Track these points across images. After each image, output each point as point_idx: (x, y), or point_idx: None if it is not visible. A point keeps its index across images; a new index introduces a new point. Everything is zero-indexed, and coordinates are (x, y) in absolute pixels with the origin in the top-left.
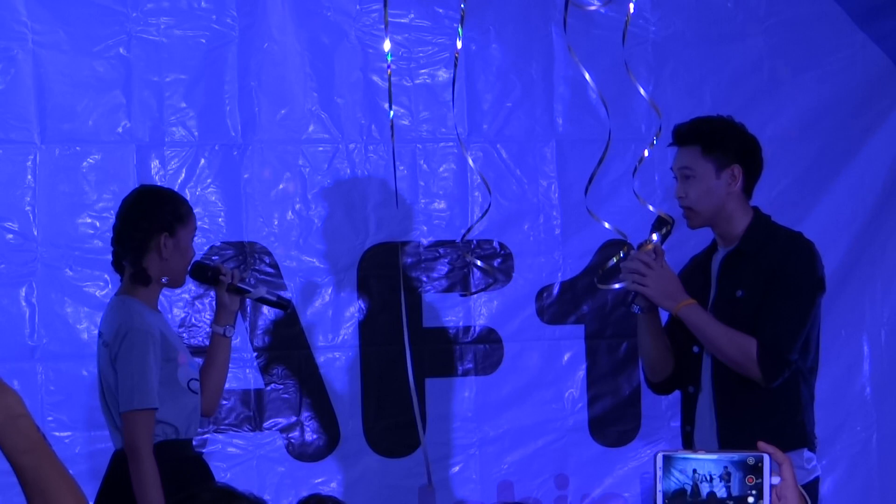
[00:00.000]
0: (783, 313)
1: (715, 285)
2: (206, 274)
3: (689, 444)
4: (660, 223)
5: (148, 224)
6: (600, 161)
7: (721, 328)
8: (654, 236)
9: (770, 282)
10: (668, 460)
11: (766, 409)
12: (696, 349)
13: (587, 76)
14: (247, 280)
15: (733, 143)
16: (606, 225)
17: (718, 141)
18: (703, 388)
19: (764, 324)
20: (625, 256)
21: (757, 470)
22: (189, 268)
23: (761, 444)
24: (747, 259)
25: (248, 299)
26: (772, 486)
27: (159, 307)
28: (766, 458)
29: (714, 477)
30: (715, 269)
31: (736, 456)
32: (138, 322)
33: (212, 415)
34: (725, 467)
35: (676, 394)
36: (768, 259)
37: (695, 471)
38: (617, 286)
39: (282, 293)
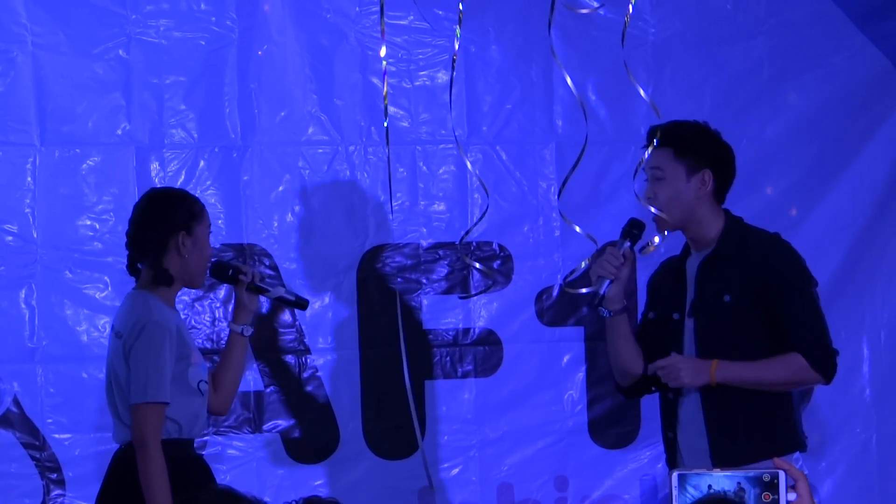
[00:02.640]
0: (808, 315)
1: (693, 289)
2: (226, 273)
3: (672, 449)
4: (630, 227)
5: (165, 225)
6: (573, 167)
7: (762, 364)
8: (627, 243)
9: (769, 289)
10: (682, 478)
11: (756, 414)
12: (673, 355)
13: (569, 81)
14: (266, 280)
15: (706, 148)
16: (577, 229)
17: (691, 145)
18: (685, 393)
19: (797, 333)
20: (589, 264)
21: (773, 487)
22: (209, 266)
23: (777, 461)
24: (728, 262)
25: (267, 298)
26: (788, 503)
27: None
28: (782, 475)
29: (728, 493)
30: (692, 273)
31: (751, 473)
32: (157, 316)
33: (225, 413)
34: (738, 483)
35: None
36: (753, 264)
37: (710, 486)
38: (584, 291)
39: (301, 294)
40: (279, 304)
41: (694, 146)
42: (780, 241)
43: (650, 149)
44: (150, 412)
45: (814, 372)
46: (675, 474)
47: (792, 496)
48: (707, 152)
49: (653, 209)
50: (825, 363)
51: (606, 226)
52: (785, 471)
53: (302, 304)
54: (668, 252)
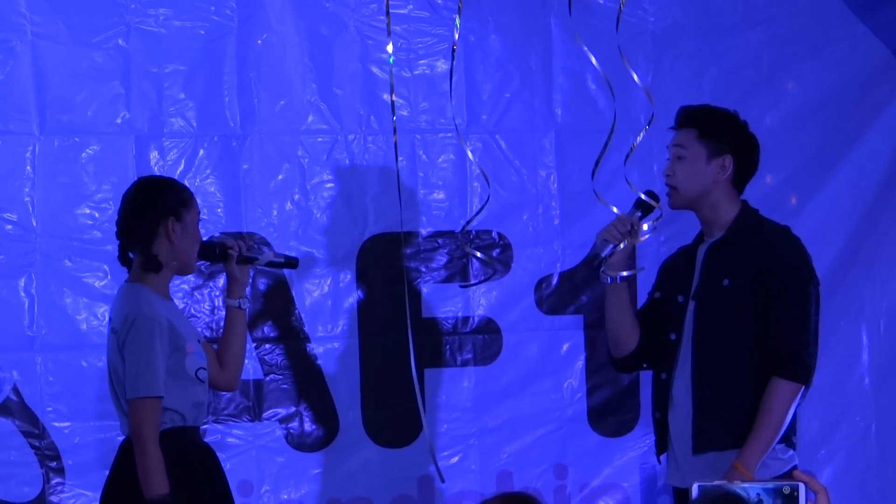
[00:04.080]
0: (795, 317)
1: (699, 274)
2: (213, 252)
3: (660, 430)
4: (641, 202)
5: (153, 211)
6: (606, 144)
7: (766, 422)
8: (638, 213)
9: (765, 283)
10: (704, 489)
11: (742, 403)
12: (672, 336)
13: (592, 58)
14: (252, 248)
15: (730, 133)
16: (614, 210)
17: (716, 128)
18: (677, 376)
19: (775, 343)
20: (626, 244)
21: (793, 499)
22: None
23: (797, 474)
24: (733, 249)
25: (258, 266)
26: None
27: None
28: (802, 488)
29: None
30: (700, 258)
31: (770, 485)
32: (146, 309)
33: (235, 389)
34: (758, 494)
35: None
36: (757, 253)
37: None
38: (625, 273)
39: (288, 253)
40: (271, 268)
41: (719, 130)
42: (787, 234)
43: (643, 133)
44: (144, 406)
45: (791, 384)
46: (695, 486)
47: None
48: (731, 138)
49: (642, 196)
50: (797, 372)
51: (606, 214)
52: (805, 483)
53: (292, 262)
54: (670, 241)
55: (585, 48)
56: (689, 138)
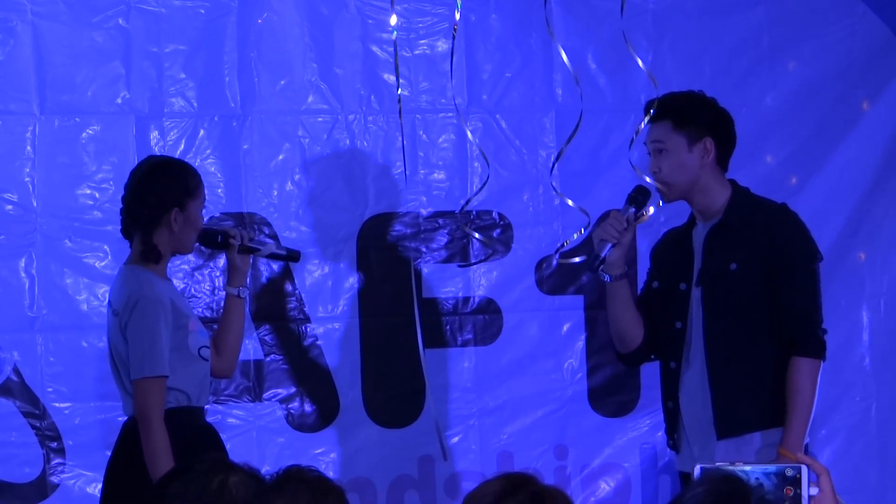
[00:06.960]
0: (802, 300)
1: (700, 258)
2: (215, 239)
3: (672, 420)
4: (636, 193)
5: (158, 200)
6: (569, 139)
7: (797, 404)
8: (632, 208)
9: (773, 265)
10: (705, 470)
11: (760, 385)
12: (678, 325)
13: (564, 57)
14: (255, 238)
15: (704, 116)
16: (570, 202)
17: (689, 114)
18: (689, 364)
19: (790, 323)
20: (588, 233)
21: (796, 481)
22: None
23: (800, 456)
24: (735, 232)
25: (259, 257)
26: (810, 497)
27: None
28: (805, 469)
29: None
30: (699, 242)
31: (773, 468)
32: (148, 290)
33: (231, 376)
34: (757, 479)
35: None
36: (761, 234)
37: None
38: (578, 259)
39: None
40: (272, 259)
41: (692, 116)
42: (787, 213)
43: (645, 121)
44: (149, 386)
45: (813, 361)
46: (698, 467)
47: (814, 490)
48: (706, 120)
49: (647, 178)
50: (815, 348)
51: (606, 194)
52: (808, 465)
53: (294, 255)
54: (669, 222)
55: (553, 36)
56: (664, 131)
